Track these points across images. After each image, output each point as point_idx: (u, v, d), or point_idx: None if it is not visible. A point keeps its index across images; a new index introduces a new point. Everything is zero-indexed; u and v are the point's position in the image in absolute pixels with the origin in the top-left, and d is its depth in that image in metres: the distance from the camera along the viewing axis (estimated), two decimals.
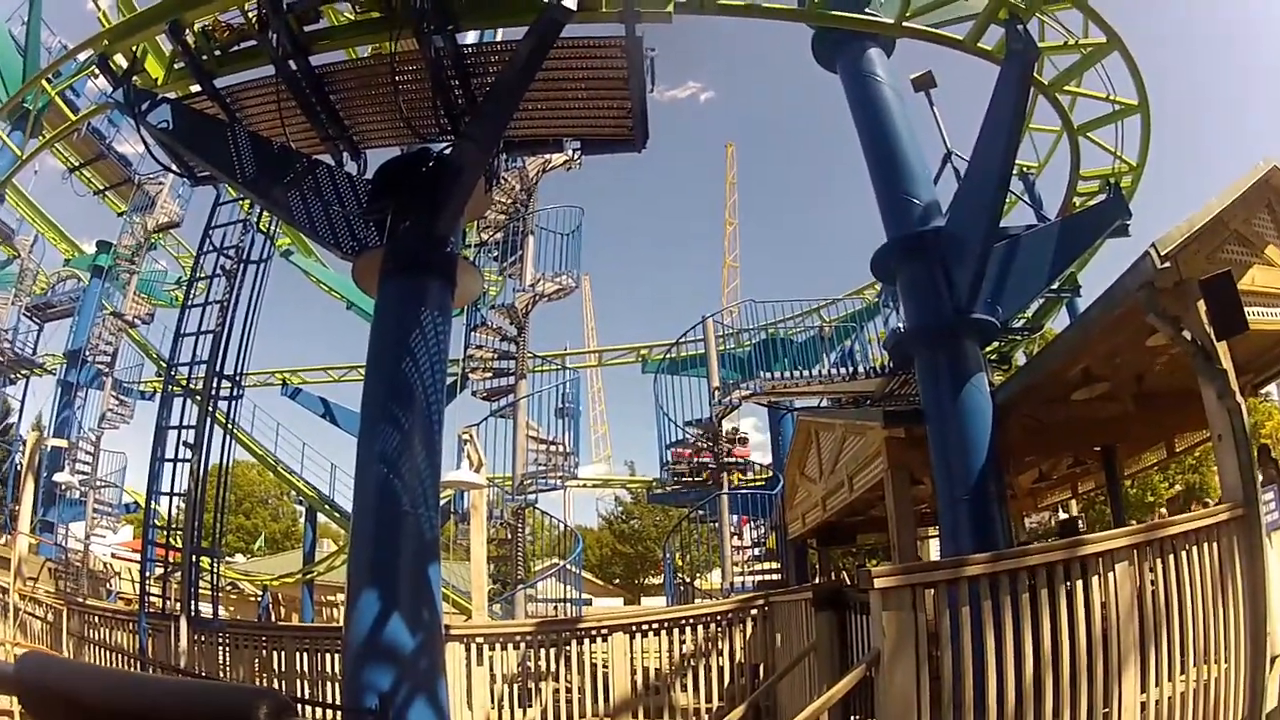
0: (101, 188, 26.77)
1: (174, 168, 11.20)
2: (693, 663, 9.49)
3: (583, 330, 62.83)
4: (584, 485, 31.85)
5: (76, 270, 30.26)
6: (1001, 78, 8.99)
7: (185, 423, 10.78)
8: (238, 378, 10.75)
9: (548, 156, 15.82)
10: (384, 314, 7.66)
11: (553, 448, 15.66)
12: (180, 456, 10.65)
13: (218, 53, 8.55)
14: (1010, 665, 4.87)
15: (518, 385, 15.63)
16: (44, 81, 14.15)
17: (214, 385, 10.56)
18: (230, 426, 10.74)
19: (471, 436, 11.29)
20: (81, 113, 15.35)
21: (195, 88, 9.25)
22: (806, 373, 15.55)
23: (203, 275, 11.16)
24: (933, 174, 10.99)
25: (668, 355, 20.02)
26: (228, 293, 10.86)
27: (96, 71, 17.09)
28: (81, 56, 14.26)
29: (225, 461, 10.74)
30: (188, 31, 8.43)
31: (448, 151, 8.06)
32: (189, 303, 11.22)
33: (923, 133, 10.81)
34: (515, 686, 9.63)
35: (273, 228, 11.30)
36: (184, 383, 10.86)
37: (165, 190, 21.83)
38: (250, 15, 8.04)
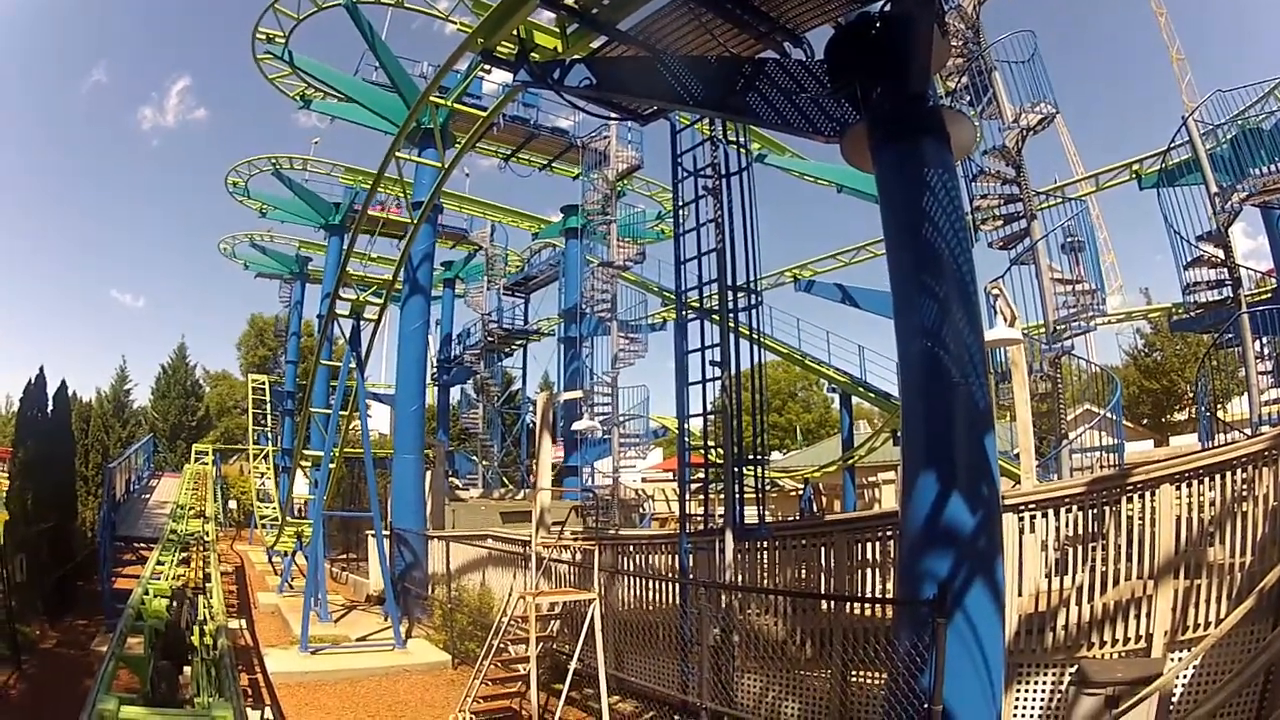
0: (544, 162, 29.84)
1: (613, 116, 12.02)
2: (1231, 509, 8.45)
3: (1065, 159, 58.76)
4: (1109, 321, 29.95)
5: (549, 240, 34.18)
6: None
7: (707, 343, 11.41)
8: (752, 286, 11.21)
9: None
10: (888, 185, 7.62)
11: (1077, 286, 14.80)
12: (708, 377, 11.35)
13: (606, 1, 8.93)
14: None
15: (1031, 228, 14.96)
16: (433, 99, 15.57)
17: (731, 300, 11.11)
18: (756, 336, 11.23)
19: (1001, 289, 10.95)
20: (490, 109, 16.57)
21: (596, 42, 9.79)
22: None
23: (685, 202, 11.72)
24: None
25: (1163, 165, 18.00)
26: (717, 210, 11.36)
27: (485, 70, 19.00)
28: (462, 65, 15.85)
29: (758, 372, 11.22)
30: None
31: (888, 8, 7.76)
32: (680, 230, 11.90)
33: None
34: (1059, 553, 9.21)
35: (740, 136, 11.59)
36: (695, 305, 11.54)
37: (613, 140, 23.60)
38: None
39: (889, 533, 9.89)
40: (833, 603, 10.13)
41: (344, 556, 29.77)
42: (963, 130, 7.77)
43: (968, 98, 15.94)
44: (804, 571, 11.24)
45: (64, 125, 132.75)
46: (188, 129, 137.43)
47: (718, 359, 11.19)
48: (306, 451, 25.35)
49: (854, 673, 9.44)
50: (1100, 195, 25.24)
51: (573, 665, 11.94)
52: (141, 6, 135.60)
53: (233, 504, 47.58)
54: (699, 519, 11.86)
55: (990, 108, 15.73)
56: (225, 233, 42.32)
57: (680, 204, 11.88)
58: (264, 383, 46.89)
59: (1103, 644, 8.68)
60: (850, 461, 33.14)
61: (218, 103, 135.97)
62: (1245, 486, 8.41)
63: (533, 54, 10.03)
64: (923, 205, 7.04)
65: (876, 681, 8.81)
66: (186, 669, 10.42)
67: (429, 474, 24.30)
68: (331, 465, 20.11)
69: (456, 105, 17.80)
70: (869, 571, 10.32)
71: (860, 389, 29.88)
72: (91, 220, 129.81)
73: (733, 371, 11.05)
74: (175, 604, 12.48)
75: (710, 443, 11.66)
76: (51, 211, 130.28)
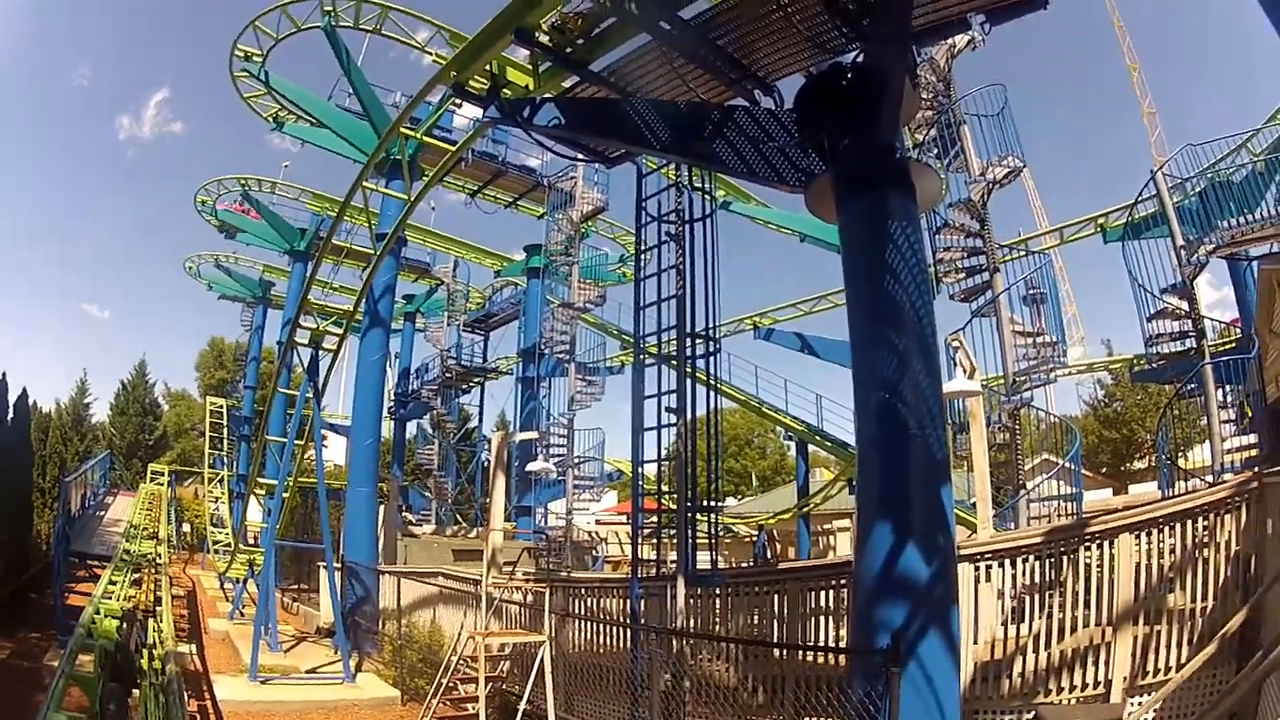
0: (510, 200, 29.86)
1: (580, 157, 11.97)
2: (1191, 555, 8.54)
3: (1031, 212, 60.05)
4: (1069, 372, 30.56)
5: (510, 278, 34.18)
6: None
7: (664, 389, 11.29)
8: (711, 333, 11.16)
9: (952, 41, 15.35)
10: (851, 236, 7.63)
11: (1038, 339, 15.01)
12: (664, 423, 11.24)
13: (580, 41, 8.94)
14: None
15: (993, 280, 15.19)
16: (404, 130, 15.51)
17: (689, 346, 11.06)
18: (714, 383, 11.13)
19: (961, 342, 11.02)
20: (459, 143, 16.54)
21: (567, 82, 9.77)
22: (1254, 216, 13.80)
23: (648, 247, 11.68)
24: None
25: (1129, 219, 18.36)
26: (679, 256, 11.32)
27: (457, 103, 19.02)
28: (434, 98, 15.83)
29: (714, 419, 11.12)
30: (538, 34, 8.92)
31: (860, 59, 7.82)
32: (641, 275, 11.87)
33: None
34: (1016, 602, 9.24)
35: (706, 183, 11.60)
36: (654, 351, 11.46)
37: (579, 182, 23.59)
38: None
39: (843, 581, 9.84)
40: (785, 650, 10.03)
41: (295, 586, 29.32)
42: (929, 183, 7.82)
43: (935, 150, 16.16)
44: (756, 618, 11.14)
45: (45, 126, 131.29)
46: (164, 141, 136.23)
47: (674, 405, 11.12)
48: (261, 479, 24.99)
49: (805, 719, 9.34)
50: (1064, 248, 25.71)
51: (522, 706, 11.85)
52: (125, 10, 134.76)
53: (186, 527, 46.74)
54: (651, 564, 11.78)
55: (958, 160, 15.96)
56: (194, 250, 41.87)
57: (643, 248, 11.85)
58: (222, 406, 46.32)
59: (1060, 690, 8.69)
60: (805, 509, 33.31)
61: (195, 117, 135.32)
62: (1206, 534, 8.50)
63: (504, 90, 10.00)
64: (885, 257, 7.06)
65: None
66: (135, 692, 10.35)
67: (383, 508, 24.02)
68: (285, 494, 19.80)
69: (426, 138, 17.77)
70: (822, 619, 10.24)
71: (817, 437, 30.11)
72: (64, 227, 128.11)
73: (689, 418, 10.98)
74: (126, 626, 12.22)
75: (665, 488, 11.58)
76: (23, 213, 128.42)
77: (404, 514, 32.87)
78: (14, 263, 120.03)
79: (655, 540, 11.64)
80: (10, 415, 24.34)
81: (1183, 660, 8.16)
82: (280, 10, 21.94)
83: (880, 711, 6.37)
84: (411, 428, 40.56)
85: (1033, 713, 8.36)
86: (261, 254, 39.66)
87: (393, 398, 36.77)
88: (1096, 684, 8.55)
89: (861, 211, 7.48)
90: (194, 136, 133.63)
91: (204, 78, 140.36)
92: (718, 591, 11.41)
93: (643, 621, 11.34)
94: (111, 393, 69.86)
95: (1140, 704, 8.20)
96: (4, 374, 24.18)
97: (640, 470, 11.94)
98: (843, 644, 9.39)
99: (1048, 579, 9.04)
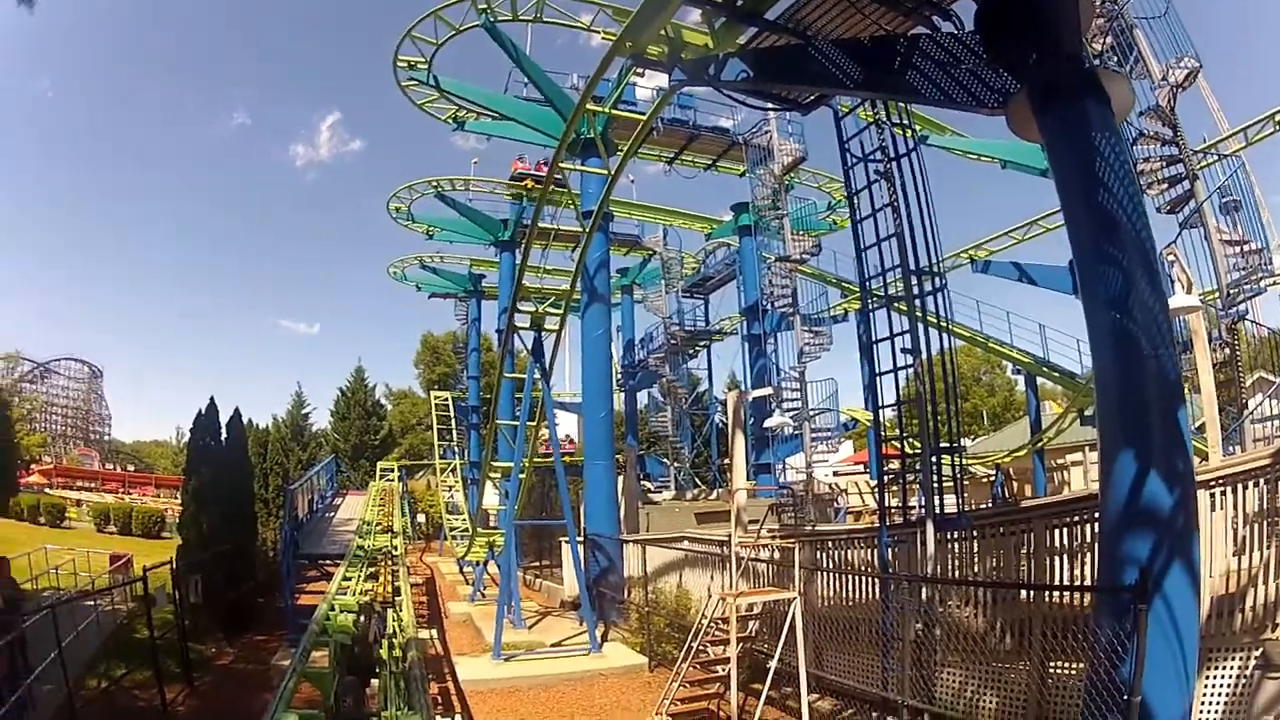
0: (708, 162, 30.33)
1: (772, 107, 12.15)
2: None
3: (1209, 116, 55.08)
4: (1275, 281, 28.33)
5: (722, 239, 34.65)
6: None
7: (895, 331, 11.43)
8: (935, 268, 11.19)
9: None
10: (1056, 152, 7.66)
11: (1245, 246, 14.15)
12: (899, 365, 11.36)
13: None
14: None
15: (1194, 188, 14.46)
16: (590, 108, 15.92)
17: (916, 285, 11.14)
18: (945, 323, 11.16)
19: (1176, 255, 10.62)
20: (648, 112, 16.92)
21: (744, 36, 10.00)
22: None
23: (858, 189, 11.76)
24: None
25: None
26: (892, 193, 11.40)
27: (639, 73, 19.37)
28: (611, 75, 16.19)
29: (949, 357, 11.10)
30: None
31: None
32: (857, 218, 11.92)
33: None
34: (1248, 529, 8.75)
35: (903, 118, 11.60)
36: (879, 294, 11.59)
37: (774, 134, 23.89)
38: None
39: (1086, 517, 9.73)
40: (1033, 592, 9.99)
41: (536, 564, 31.04)
42: (1120, 90, 7.69)
43: (1114, 58, 15.45)
44: (1001, 561, 11.09)
45: (210, 169, 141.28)
46: (344, 160, 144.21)
47: (907, 346, 11.20)
48: (495, 463, 26.51)
49: (1052, 663, 9.33)
50: (1248, 151, 23.53)
51: (773, 664, 12.09)
52: (281, 46, 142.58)
53: (421, 518, 49.83)
54: (895, 511, 11.84)
55: (1137, 67, 15.31)
56: (396, 255, 44.74)
57: (853, 191, 11.95)
58: (447, 399, 49.03)
59: None
60: (1039, 444, 32.51)
61: (372, 132, 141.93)
62: None
63: (683, 53, 10.33)
64: (1094, 170, 7.02)
65: (1071, 672, 8.67)
66: (374, 682, 10.69)
67: (621, 479, 25.12)
68: (522, 475, 20.98)
69: (613, 111, 18.36)
70: (1067, 558, 10.11)
71: (1045, 369, 29.30)
72: (254, 255, 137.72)
73: (925, 357, 11.07)
74: (363, 619, 12.96)
75: (903, 432, 11.62)
76: (210, 251, 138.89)
77: (643, 482, 33.99)
78: (214, 298, 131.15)
79: (898, 487, 11.75)
80: (224, 435, 26.23)
81: None
82: (434, 16, 23.12)
83: (1126, 651, 6.38)
84: (643, 398, 41.87)
85: (1260, 649, 8.07)
86: (467, 249, 42.09)
87: (620, 370, 38.23)
88: None
89: (1062, 125, 7.44)
90: (375, 150, 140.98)
91: (373, 93, 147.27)
92: (963, 535, 11.41)
93: (892, 570, 11.49)
94: (329, 402, 76.07)
95: None
96: (211, 397, 26.06)
97: (879, 415, 12.10)
98: (1085, 583, 9.30)
99: (1276, 504, 8.62)
